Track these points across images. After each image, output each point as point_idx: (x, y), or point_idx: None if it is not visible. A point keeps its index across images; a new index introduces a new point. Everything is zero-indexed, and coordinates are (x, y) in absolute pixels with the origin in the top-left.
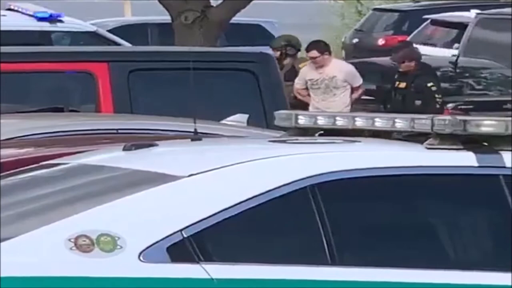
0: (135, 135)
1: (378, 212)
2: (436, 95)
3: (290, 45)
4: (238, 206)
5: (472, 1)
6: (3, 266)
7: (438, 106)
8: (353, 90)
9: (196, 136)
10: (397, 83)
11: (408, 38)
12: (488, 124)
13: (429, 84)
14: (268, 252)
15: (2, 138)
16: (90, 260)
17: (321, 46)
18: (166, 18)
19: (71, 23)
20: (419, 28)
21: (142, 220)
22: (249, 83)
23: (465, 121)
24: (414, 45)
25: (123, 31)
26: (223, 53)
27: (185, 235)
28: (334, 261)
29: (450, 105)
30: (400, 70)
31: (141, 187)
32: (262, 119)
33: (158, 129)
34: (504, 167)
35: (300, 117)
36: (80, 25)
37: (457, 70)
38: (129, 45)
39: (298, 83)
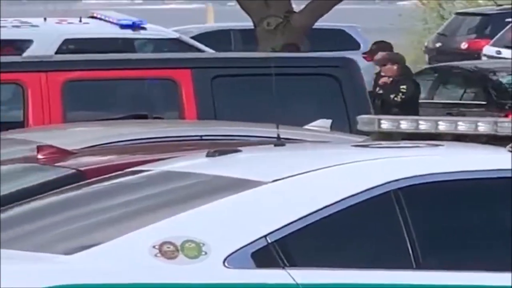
0: (218, 141)
1: (463, 216)
2: (398, 98)
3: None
4: (322, 211)
5: None
6: (88, 273)
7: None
8: None
9: (279, 142)
10: (377, 88)
11: (491, 42)
12: None
13: (402, 87)
14: (353, 256)
15: (86, 146)
16: (175, 266)
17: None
18: (248, 24)
19: (154, 30)
20: (502, 32)
21: (226, 226)
22: (332, 88)
23: None
24: (498, 49)
25: (206, 37)
26: (305, 59)
27: (269, 241)
28: (419, 265)
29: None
30: (382, 73)
31: (225, 193)
32: (345, 124)
33: (241, 135)
34: None
35: (383, 121)
36: (163, 32)
37: None
38: (212, 51)
39: None
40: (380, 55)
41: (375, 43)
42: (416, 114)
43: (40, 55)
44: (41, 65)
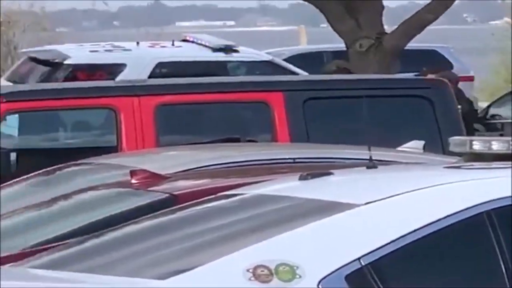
0: (311, 164)
1: None
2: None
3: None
4: (415, 233)
5: None
6: None
7: None
8: None
9: (371, 164)
10: None
11: None
12: None
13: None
14: (446, 279)
15: (179, 170)
16: None
17: None
18: (341, 46)
19: (246, 52)
20: None
21: (320, 249)
22: (424, 109)
23: None
24: None
25: (299, 59)
26: (398, 80)
27: (363, 263)
28: None
29: None
30: None
31: (317, 216)
32: (438, 146)
33: (334, 158)
34: None
35: (474, 142)
36: (256, 55)
37: None
38: (305, 73)
39: None
40: (434, 74)
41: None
42: (472, 132)
43: (132, 79)
44: (133, 90)
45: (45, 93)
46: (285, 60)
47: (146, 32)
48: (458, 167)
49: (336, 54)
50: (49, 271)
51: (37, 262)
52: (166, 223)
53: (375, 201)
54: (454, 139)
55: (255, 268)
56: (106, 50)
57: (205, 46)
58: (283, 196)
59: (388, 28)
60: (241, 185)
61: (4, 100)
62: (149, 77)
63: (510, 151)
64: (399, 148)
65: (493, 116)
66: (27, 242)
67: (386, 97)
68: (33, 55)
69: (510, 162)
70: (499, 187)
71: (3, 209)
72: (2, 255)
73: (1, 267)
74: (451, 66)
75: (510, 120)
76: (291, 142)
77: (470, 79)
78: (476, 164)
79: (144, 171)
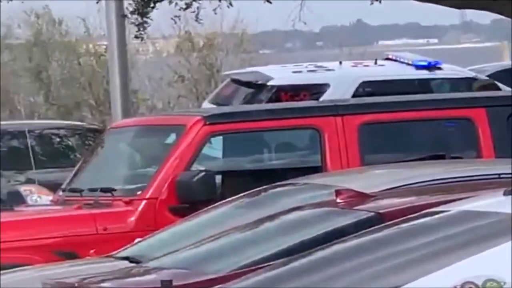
0: None
1: None
2: None
3: None
4: None
5: None
6: None
7: None
8: None
9: None
10: None
11: None
12: None
13: None
14: None
15: (384, 188)
16: None
17: None
18: None
19: (450, 70)
20: None
21: None
22: None
23: None
24: None
25: (502, 75)
26: None
27: None
28: None
29: None
30: None
31: None
32: None
33: None
34: None
35: None
36: (459, 72)
37: None
38: (509, 89)
39: None
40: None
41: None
42: None
43: (334, 99)
44: (336, 109)
45: (248, 115)
46: (488, 76)
47: (349, 52)
48: None
49: None
50: None
51: (246, 283)
52: (373, 241)
53: None
54: None
55: (463, 284)
56: (309, 71)
57: (408, 64)
58: (488, 212)
59: None
60: (446, 202)
61: (208, 123)
62: (353, 96)
63: None
64: None
65: None
66: (236, 263)
67: None
68: (236, 77)
69: None
70: None
71: (211, 231)
72: (213, 276)
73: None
74: None
75: None
76: (496, 158)
77: None
78: None
79: (350, 190)
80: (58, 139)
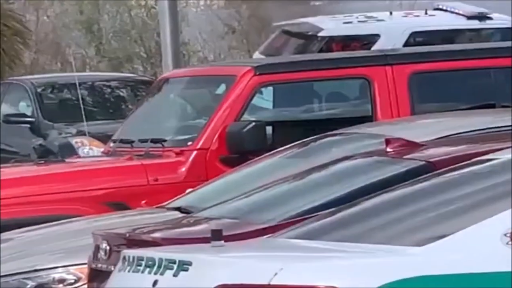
0: None
1: None
2: None
3: None
4: None
5: None
6: (439, 264)
7: None
8: None
9: None
10: None
11: None
12: None
13: None
14: None
15: (434, 137)
16: None
17: None
18: None
19: (500, 19)
20: None
21: None
22: None
23: None
24: None
25: None
26: None
27: None
28: None
29: None
30: None
31: None
32: None
33: None
34: None
35: None
36: (510, 21)
37: None
38: None
39: None
40: None
41: None
42: None
43: (384, 49)
44: (386, 59)
45: (298, 65)
46: None
47: (399, 2)
48: None
49: None
50: (306, 241)
51: (294, 233)
52: (422, 190)
53: None
54: None
55: None
56: (359, 21)
57: (459, 14)
58: None
59: None
60: (496, 150)
61: (258, 73)
62: (404, 46)
63: None
64: None
65: None
66: (285, 213)
67: None
68: (286, 28)
69: None
70: None
71: (261, 182)
72: (263, 226)
73: (263, 238)
74: None
75: None
76: None
77: None
78: None
79: (400, 139)
80: (109, 91)
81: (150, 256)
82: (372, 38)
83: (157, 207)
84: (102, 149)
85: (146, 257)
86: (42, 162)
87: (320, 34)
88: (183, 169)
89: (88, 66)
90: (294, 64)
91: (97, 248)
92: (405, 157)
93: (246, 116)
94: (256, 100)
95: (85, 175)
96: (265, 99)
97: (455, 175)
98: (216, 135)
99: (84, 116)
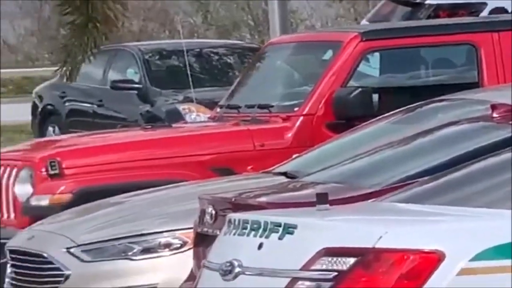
0: None
1: None
2: None
3: None
4: None
5: None
6: None
7: None
8: None
9: None
10: None
11: None
12: None
13: None
14: None
15: None
16: None
17: None
18: None
19: None
20: None
21: None
22: None
23: None
24: None
25: None
26: None
27: None
28: None
29: None
30: None
31: None
32: None
33: None
34: None
35: None
36: None
37: None
38: None
39: None
40: None
41: None
42: None
43: (491, 16)
44: (493, 25)
45: (405, 31)
46: None
47: None
48: None
49: None
50: (411, 205)
51: (400, 196)
52: None
53: None
54: None
55: None
56: None
57: None
58: None
59: None
60: None
61: (364, 39)
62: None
63: None
64: None
65: None
66: (391, 178)
67: None
68: None
69: None
70: None
71: (366, 147)
72: (368, 191)
73: (368, 202)
74: None
75: None
76: None
77: None
78: None
79: (506, 104)
80: (216, 58)
81: (256, 219)
82: (479, 6)
83: (263, 172)
84: (208, 115)
85: (251, 220)
86: (149, 127)
87: (427, 1)
88: (289, 134)
89: (195, 34)
90: (400, 30)
91: (203, 213)
92: (511, 122)
93: (352, 82)
94: (362, 67)
95: (191, 141)
96: (371, 66)
97: None
98: (323, 101)
99: (191, 83)
